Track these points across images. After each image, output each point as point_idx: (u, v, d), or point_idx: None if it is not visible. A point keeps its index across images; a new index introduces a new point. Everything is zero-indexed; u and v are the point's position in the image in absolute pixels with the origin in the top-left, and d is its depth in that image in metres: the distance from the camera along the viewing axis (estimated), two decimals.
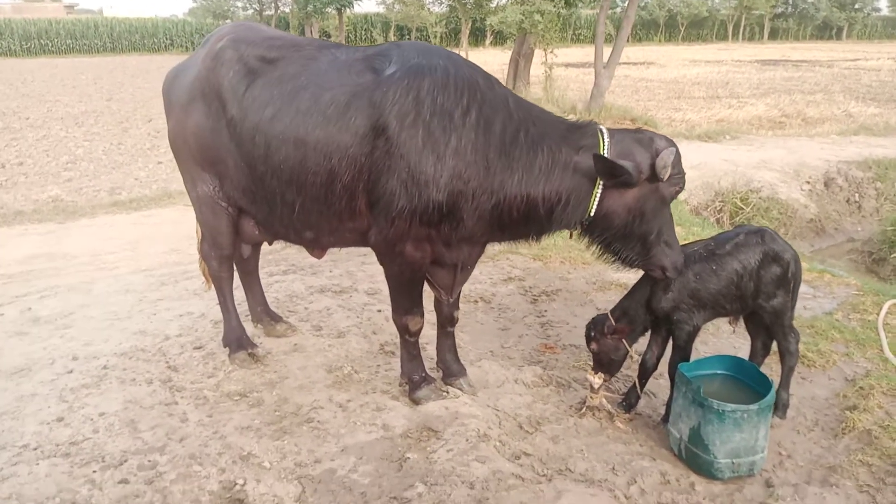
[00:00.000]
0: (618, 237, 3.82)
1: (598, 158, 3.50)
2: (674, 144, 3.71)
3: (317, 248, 4.44)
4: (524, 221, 3.79)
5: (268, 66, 3.99)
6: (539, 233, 3.92)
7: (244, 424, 4.01)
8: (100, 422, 4.05)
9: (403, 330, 4.25)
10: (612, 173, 3.52)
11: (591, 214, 3.71)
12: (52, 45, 51.13)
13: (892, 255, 9.00)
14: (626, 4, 21.77)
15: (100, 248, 7.75)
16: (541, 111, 3.90)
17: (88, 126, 17.62)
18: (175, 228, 8.53)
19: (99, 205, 10.00)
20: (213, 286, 4.85)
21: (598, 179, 3.61)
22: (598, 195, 3.65)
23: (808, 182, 11.34)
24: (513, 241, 4.07)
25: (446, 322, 4.45)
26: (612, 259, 3.97)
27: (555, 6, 17.22)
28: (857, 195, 11.51)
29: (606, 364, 4.26)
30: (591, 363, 4.38)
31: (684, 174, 3.84)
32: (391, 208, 3.66)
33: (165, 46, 54.36)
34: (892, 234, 9.22)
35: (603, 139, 3.66)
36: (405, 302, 4.15)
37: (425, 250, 3.86)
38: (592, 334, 4.23)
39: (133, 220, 9.13)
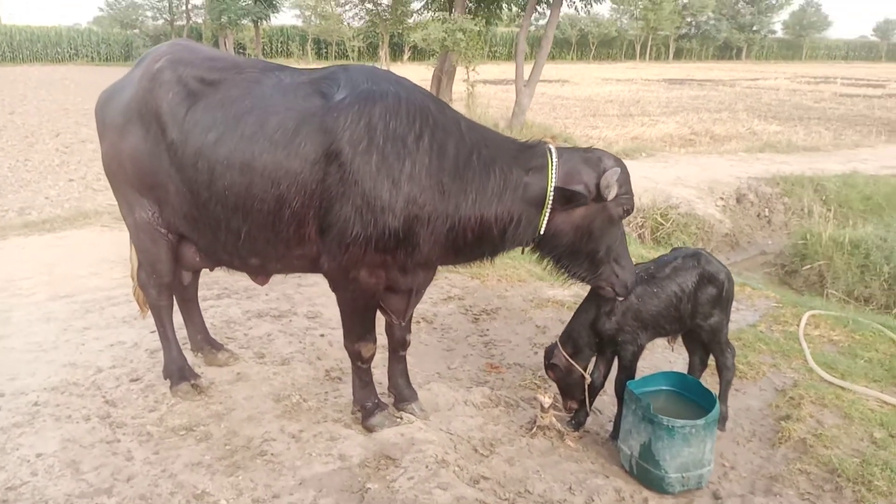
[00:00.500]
0: (566, 254, 3.91)
1: (558, 189, 3.60)
2: (621, 164, 3.82)
3: (262, 274, 4.34)
4: (478, 243, 3.82)
5: (209, 89, 3.87)
6: (493, 253, 3.97)
7: (194, 460, 3.86)
8: (38, 463, 3.80)
9: (356, 357, 4.20)
10: (569, 199, 3.62)
11: (541, 233, 3.78)
12: None
13: (804, 268, 9.55)
14: (544, 23, 22.38)
15: (13, 273, 7.30)
16: (492, 133, 3.97)
17: None
18: (93, 251, 8.14)
19: (9, 226, 9.43)
20: (149, 314, 4.65)
21: (547, 199, 3.68)
22: (547, 214, 3.73)
23: (722, 198, 11.92)
24: (467, 262, 4.09)
25: (398, 346, 4.43)
26: (564, 275, 4.05)
27: (476, 24, 17.51)
28: (766, 210, 12.17)
29: (571, 390, 4.37)
30: (555, 389, 4.50)
31: (632, 194, 3.93)
32: (345, 235, 3.62)
33: (70, 56, 52.04)
34: (803, 248, 9.80)
35: (552, 159, 3.73)
36: (358, 328, 4.11)
37: (380, 276, 3.84)
38: (549, 364, 4.36)
39: (47, 241, 8.64)
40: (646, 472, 3.88)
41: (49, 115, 21.55)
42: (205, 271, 4.83)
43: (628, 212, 3.92)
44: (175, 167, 3.91)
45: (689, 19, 74.80)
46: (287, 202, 3.64)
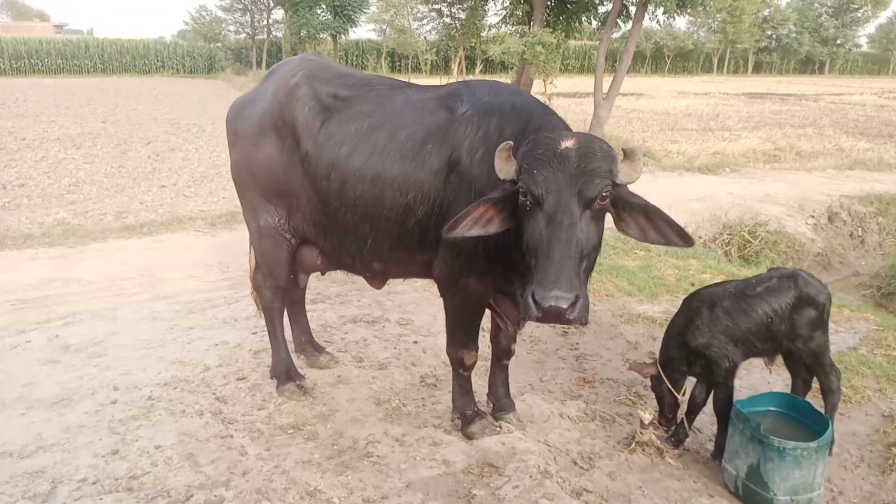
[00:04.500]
0: None
1: None
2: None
3: (383, 278, 4.47)
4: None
5: (342, 104, 4.06)
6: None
7: (304, 458, 3.99)
8: (157, 455, 4.01)
9: (458, 364, 4.26)
10: None
11: None
12: (43, 65, 50.97)
13: None
14: (618, 35, 22.18)
15: (115, 274, 7.68)
16: None
17: (87, 148, 17.47)
18: (188, 254, 8.49)
19: (108, 229, 9.91)
20: (263, 316, 4.84)
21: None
22: None
23: (813, 216, 11.54)
24: None
25: (503, 355, 4.47)
26: None
27: (555, 37, 17.50)
28: (860, 230, 11.72)
29: (669, 406, 4.35)
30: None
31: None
32: (458, 242, 3.69)
33: (156, 68, 54.35)
34: None
35: None
36: (462, 336, 4.17)
37: (488, 285, 3.89)
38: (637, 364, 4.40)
39: (144, 245, 9.06)
40: (753, 494, 3.79)
41: (139, 124, 22.51)
42: None
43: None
44: (308, 177, 4.09)
45: (769, 32, 72.62)
46: (413, 211, 3.77)
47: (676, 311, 4.34)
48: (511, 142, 3.22)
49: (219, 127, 5.37)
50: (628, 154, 3.12)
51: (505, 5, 21.20)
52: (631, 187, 3.32)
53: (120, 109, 27.14)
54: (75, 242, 9.04)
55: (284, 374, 4.79)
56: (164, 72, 53.87)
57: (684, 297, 4.46)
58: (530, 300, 2.88)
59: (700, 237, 10.17)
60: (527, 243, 3.10)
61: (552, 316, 2.84)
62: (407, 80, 4.46)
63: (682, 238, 3.18)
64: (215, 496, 3.64)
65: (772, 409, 4.17)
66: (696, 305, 4.19)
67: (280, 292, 4.69)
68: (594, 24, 21.55)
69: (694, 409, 4.34)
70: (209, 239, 9.20)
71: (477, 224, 3.24)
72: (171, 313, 6.38)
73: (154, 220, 10.51)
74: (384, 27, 41.81)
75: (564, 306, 2.81)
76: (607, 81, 17.51)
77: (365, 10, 42.99)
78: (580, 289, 2.88)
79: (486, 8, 26.99)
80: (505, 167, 3.18)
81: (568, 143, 3.01)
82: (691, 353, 4.19)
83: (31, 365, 5.24)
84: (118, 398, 4.72)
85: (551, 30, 18.33)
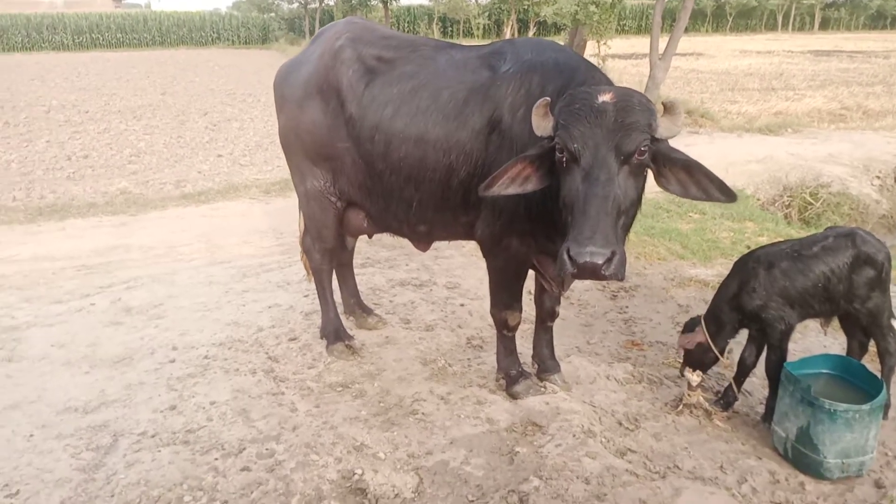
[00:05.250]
0: None
1: None
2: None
3: (427, 241, 4.51)
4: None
5: (386, 66, 4.06)
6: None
7: (352, 415, 4.11)
8: (212, 410, 4.18)
9: (502, 325, 4.29)
10: None
11: None
12: (103, 39, 52.16)
13: None
14: None
15: (174, 240, 7.93)
16: None
17: (147, 119, 17.94)
18: (244, 221, 8.70)
19: (167, 197, 10.22)
20: (313, 278, 4.95)
21: None
22: None
23: (879, 177, 11.07)
24: None
25: (546, 317, 4.48)
26: None
27: None
28: None
29: (696, 364, 4.31)
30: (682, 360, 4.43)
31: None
32: (498, 202, 3.69)
33: (212, 40, 55.05)
34: None
35: None
36: (505, 296, 4.18)
37: (530, 244, 3.88)
38: (684, 334, 4.34)
39: (202, 212, 9.31)
40: (802, 457, 3.73)
41: (197, 95, 22.97)
42: None
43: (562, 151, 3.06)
44: (353, 140, 4.13)
45: None
46: (456, 171, 3.78)
47: (728, 274, 4.26)
48: (548, 98, 3.18)
49: (272, 97, 5.43)
50: (668, 108, 3.05)
51: None
52: (686, 147, 3.25)
53: (178, 81, 27.71)
54: (136, 211, 9.36)
55: (334, 334, 4.90)
56: (219, 43, 54.55)
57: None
58: (565, 256, 2.85)
59: (758, 199, 9.89)
60: (563, 200, 3.06)
61: (587, 272, 2.81)
62: (454, 42, 4.43)
63: (724, 193, 3.10)
64: (266, 449, 3.78)
65: (824, 371, 4.08)
66: (752, 266, 4.10)
67: (328, 254, 4.78)
68: None
69: (743, 371, 4.27)
70: (263, 206, 9.40)
71: (514, 182, 3.23)
72: (227, 277, 6.58)
73: (211, 188, 10.78)
74: None
75: (600, 262, 2.78)
76: (664, 41, 17.01)
77: None
78: (616, 245, 2.85)
79: None
80: (542, 124, 3.14)
81: (605, 98, 2.95)
82: (745, 316, 4.12)
83: (95, 326, 5.49)
84: (176, 357, 4.91)
85: None
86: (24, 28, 50.52)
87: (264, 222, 8.56)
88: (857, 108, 17.98)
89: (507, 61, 3.76)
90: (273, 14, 56.69)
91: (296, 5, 54.25)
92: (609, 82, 3.70)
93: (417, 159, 3.87)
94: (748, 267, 4.13)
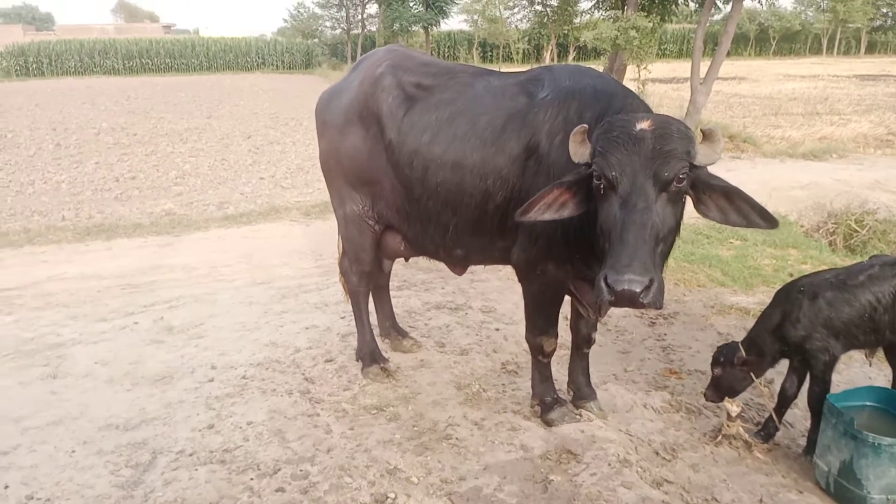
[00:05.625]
0: None
1: None
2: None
3: (464, 265, 4.53)
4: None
5: (425, 93, 4.14)
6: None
7: (386, 438, 4.12)
8: (249, 430, 4.23)
9: (537, 350, 4.27)
10: None
11: None
12: (153, 64, 53.73)
13: None
14: (719, 18, 21.30)
15: (216, 261, 8.08)
16: None
17: (192, 142, 18.39)
18: (284, 242, 8.83)
19: (211, 218, 10.43)
20: (350, 300, 5.01)
21: None
22: None
23: None
24: None
25: (583, 343, 4.45)
26: None
27: (650, 21, 17.02)
28: None
29: (726, 390, 4.22)
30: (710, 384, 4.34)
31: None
32: (536, 228, 3.69)
33: (257, 65, 56.28)
34: None
35: None
36: (541, 322, 4.17)
37: (567, 270, 3.87)
38: (721, 360, 4.22)
39: (243, 233, 9.48)
40: (845, 491, 3.63)
41: (241, 119, 23.47)
42: None
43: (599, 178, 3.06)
44: (392, 165, 4.20)
45: (884, 10, 67.78)
46: (492, 196, 3.81)
47: (769, 303, 4.18)
48: (586, 125, 3.20)
49: (314, 121, 5.55)
50: (707, 135, 3.03)
51: None
52: (728, 173, 3.22)
53: (223, 105, 28.37)
54: (180, 231, 9.57)
55: (369, 356, 4.94)
56: (264, 68, 55.72)
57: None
58: (603, 283, 2.84)
59: (802, 226, 9.70)
60: (601, 227, 3.06)
61: (625, 300, 2.79)
62: (493, 69, 4.48)
63: (764, 219, 3.06)
64: (301, 471, 3.81)
65: (868, 403, 3.97)
66: (796, 296, 4.01)
67: (366, 277, 4.84)
68: (692, 5, 20.80)
69: (784, 402, 4.17)
70: (303, 228, 9.55)
71: (550, 208, 3.24)
72: (266, 298, 6.68)
73: (253, 210, 10.98)
74: (475, 17, 41.71)
75: (638, 290, 2.77)
76: (706, 66, 16.90)
77: (456, 1, 43.19)
78: (655, 272, 2.84)
79: None
80: (579, 150, 3.16)
81: (643, 125, 2.95)
82: (788, 347, 4.03)
83: (138, 345, 5.62)
84: (215, 376, 5.00)
85: (646, 13, 17.85)
86: (77, 53, 52.29)
87: (304, 244, 8.69)
88: None
89: (544, 88, 3.79)
90: (316, 40, 57.79)
91: (339, 31, 55.28)
92: (647, 109, 3.70)
93: (455, 184, 3.91)
94: (792, 297, 4.05)
